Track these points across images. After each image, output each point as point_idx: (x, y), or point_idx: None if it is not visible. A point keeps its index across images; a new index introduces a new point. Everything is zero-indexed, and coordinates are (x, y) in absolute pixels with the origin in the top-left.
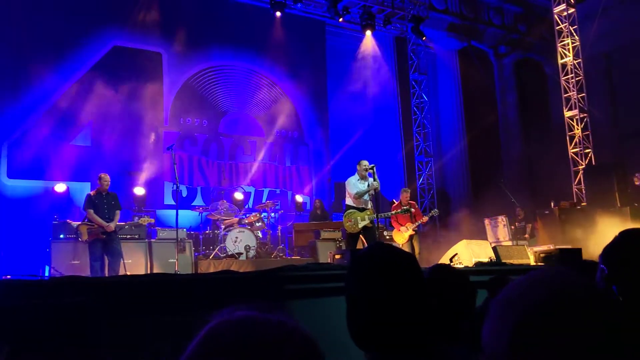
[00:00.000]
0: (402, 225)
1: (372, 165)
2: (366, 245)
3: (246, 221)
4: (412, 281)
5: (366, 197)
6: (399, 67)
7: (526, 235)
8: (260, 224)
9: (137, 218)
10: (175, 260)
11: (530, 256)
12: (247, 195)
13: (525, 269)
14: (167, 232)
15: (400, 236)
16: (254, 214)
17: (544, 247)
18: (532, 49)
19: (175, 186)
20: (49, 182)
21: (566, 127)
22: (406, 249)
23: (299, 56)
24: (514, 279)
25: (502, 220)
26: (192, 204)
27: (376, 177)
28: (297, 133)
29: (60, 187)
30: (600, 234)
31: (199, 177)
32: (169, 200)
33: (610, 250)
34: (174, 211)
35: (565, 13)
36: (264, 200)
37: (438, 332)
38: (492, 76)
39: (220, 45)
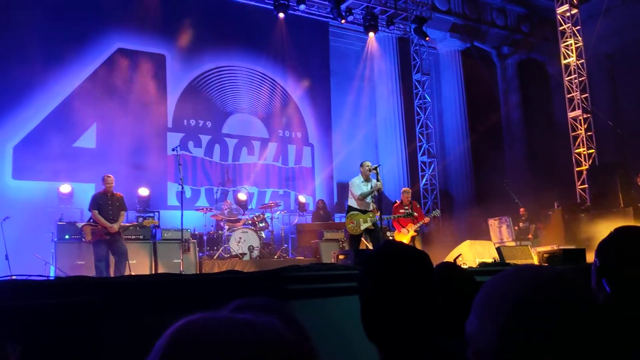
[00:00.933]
0: (403, 227)
1: (376, 165)
2: (370, 246)
3: (250, 222)
4: (425, 279)
5: (369, 198)
6: (401, 68)
7: (530, 236)
8: (263, 224)
9: (141, 219)
10: (179, 261)
11: (534, 257)
12: (250, 195)
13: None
14: (172, 232)
15: (402, 237)
16: (257, 214)
17: (548, 248)
18: (535, 49)
19: (180, 187)
20: (53, 183)
21: (569, 127)
22: None
23: (302, 57)
24: (495, 275)
25: (505, 220)
26: (196, 205)
27: (380, 177)
28: (300, 134)
29: (65, 188)
30: (604, 234)
31: (203, 178)
32: (172, 201)
33: (604, 244)
34: (178, 212)
35: (568, 14)
36: (267, 201)
37: (444, 329)
38: (495, 77)
39: (224, 46)
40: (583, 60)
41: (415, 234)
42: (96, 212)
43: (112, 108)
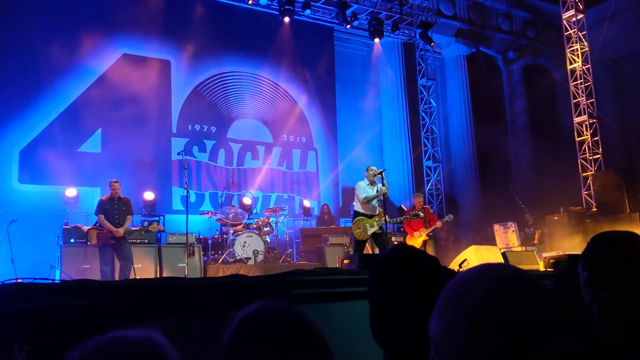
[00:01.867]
0: (415, 231)
1: (381, 170)
2: (375, 250)
3: (254, 226)
4: (434, 283)
5: (375, 202)
6: (407, 73)
7: (535, 241)
8: (268, 228)
9: (146, 223)
10: (184, 265)
11: (539, 262)
12: (255, 200)
13: (534, 275)
14: (177, 236)
15: (414, 242)
16: (262, 218)
17: (553, 253)
18: (541, 54)
19: (185, 191)
20: (59, 187)
21: (575, 132)
22: None
23: (307, 62)
24: (456, 275)
25: (511, 226)
26: (200, 209)
27: (385, 182)
28: (305, 138)
29: (70, 192)
30: None
31: (207, 183)
32: (177, 205)
33: (586, 255)
34: (183, 216)
35: (574, 19)
36: (271, 205)
37: None
38: (500, 82)
39: (228, 52)
40: (589, 66)
41: (427, 238)
42: (102, 216)
43: (117, 113)
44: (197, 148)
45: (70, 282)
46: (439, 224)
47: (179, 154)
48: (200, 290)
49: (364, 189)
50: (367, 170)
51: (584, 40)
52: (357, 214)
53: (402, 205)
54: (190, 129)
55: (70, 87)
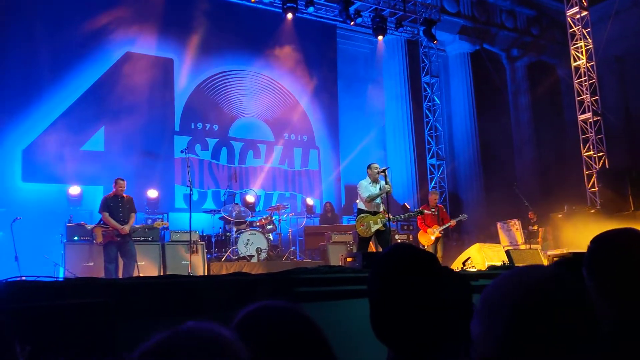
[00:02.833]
0: (429, 227)
1: (384, 168)
2: (378, 248)
3: (257, 224)
4: (433, 281)
5: (378, 200)
6: (410, 70)
7: (539, 239)
8: (271, 226)
9: (150, 220)
10: (188, 263)
11: (543, 260)
12: (257, 198)
13: (570, 276)
14: (180, 234)
15: (426, 238)
16: (265, 216)
17: (558, 251)
18: (545, 51)
19: (189, 188)
20: (62, 185)
21: (579, 130)
22: (430, 251)
23: (309, 60)
24: (496, 278)
25: (515, 223)
26: (202, 207)
27: (388, 180)
28: (306, 136)
29: (74, 190)
30: None
31: (210, 181)
32: (180, 203)
33: (589, 262)
34: (186, 214)
35: (578, 16)
36: (273, 204)
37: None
38: (504, 79)
39: (231, 50)
40: (593, 63)
41: (440, 235)
42: (107, 214)
43: (120, 111)
44: (200, 146)
45: (74, 280)
46: (452, 222)
47: (182, 152)
48: (204, 288)
49: (367, 188)
50: (369, 167)
51: (588, 37)
52: (360, 211)
53: (405, 203)
54: (192, 127)
55: (73, 86)
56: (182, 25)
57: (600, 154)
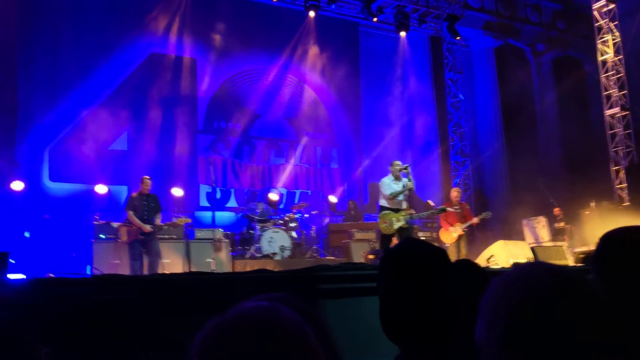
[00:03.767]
0: (451, 225)
1: (407, 165)
2: None
3: (281, 222)
4: (441, 276)
5: (401, 197)
6: (434, 66)
7: (565, 236)
8: (294, 224)
9: (175, 219)
10: (211, 260)
11: (568, 257)
12: (280, 196)
13: (578, 275)
14: (204, 232)
15: (449, 236)
16: (288, 214)
17: (584, 248)
18: (571, 46)
19: (213, 185)
20: (89, 185)
21: (607, 125)
22: (453, 249)
23: (332, 57)
24: (499, 276)
25: (540, 220)
26: (226, 206)
27: (411, 177)
28: (328, 135)
29: (101, 189)
30: None
31: (233, 179)
32: (204, 202)
33: (596, 258)
34: (209, 212)
35: (605, 9)
36: (296, 202)
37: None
38: (529, 74)
39: (253, 49)
40: (621, 57)
41: (463, 233)
42: (131, 212)
43: (144, 111)
44: (223, 145)
45: (101, 277)
46: (475, 220)
47: (205, 150)
48: (227, 285)
49: (389, 185)
50: (391, 164)
51: (615, 31)
52: (383, 208)
53: (429, 201)
54: (215, 126)
55: (99, 86)
56: (204, 26)
57: (629, 149)
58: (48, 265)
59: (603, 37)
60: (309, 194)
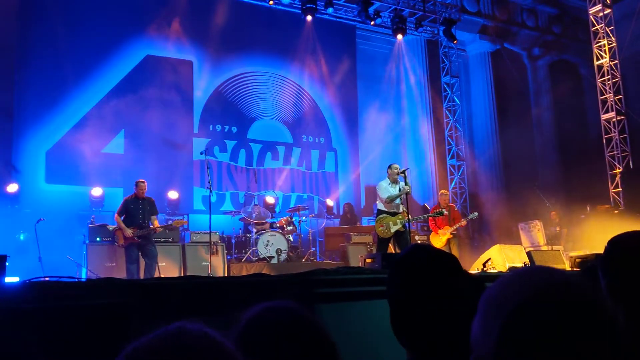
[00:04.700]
0: (440, 228)
1: (404, 169)
2: (396, 249)
3: (277, 225)
4: (453, 282)
5: (397, 200)
6: (430, 70)
7: (561, 241)
8: (291, 227)
9: (170, 221)
10: (208, 264)
11: (565, 261)
12: (277, 199)
13: (578, 279)
14: (200, 235)
15: (438, 240)
16: (285, 217)
17: (580, 252)
18: (567, 50)
19: (208, 188)
20: (85, 187)
21: (603, 130)
22: None
23: (329, 61)
24: (499, 278)
25: (536, 224)
26: (221, 209)
27: (407, 180)
28: (324, 138)
29: (96, 191)
30: None
31: (228, 183)
32: (198, 205)
33: (605, 261)
34: (204, 216)
35: (601, 13)
36: (292, 205)
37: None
38: (525, 78)
39: (250, 52)
40: (617, 61)
41: (452, 236)
42: (119, 217)
43: (140, 114)
44: (218, 148)
45: (96, 281)
46: (463, 222)
47: (201, 153)
48: (224, 288)
49: (386, 189)
50: (389, 167)
51: (611, 35)
52: (380, 212)
53: (425, 204)
54: (211, 129)
55: (95, 88)
56: (201, 28)
57: (624, 153)
58: (43, 268)
59: (599, 42)
60: (305, 197)
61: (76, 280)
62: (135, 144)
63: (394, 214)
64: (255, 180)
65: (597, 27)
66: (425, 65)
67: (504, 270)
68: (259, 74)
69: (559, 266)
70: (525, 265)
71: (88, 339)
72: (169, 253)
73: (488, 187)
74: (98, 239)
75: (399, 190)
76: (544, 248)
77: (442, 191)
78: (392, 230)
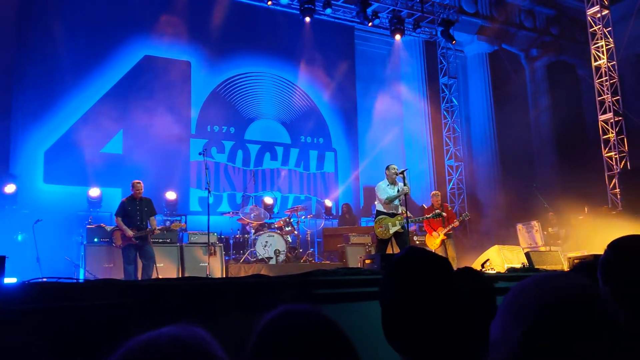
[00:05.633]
0: (434, 230)
1: (402, 170)
2: (395, 250)
3: (276, 226)
4: (445, 284)
5: (396, 201)
6: (428, 71)
7: (559, 241)
8: (289, 228)
9: (168, 222)
10: (206, 264)
11: (563, 262)
12: (275, 200)
13: (593, 287)
14: (198, 236)
15: (432, 241)
16: (283, 218)
17: (578, 253)
18: (565, 51)
19: (207, 189)
20: (83, 188)
21: (600, 130)
22: (439, 253)
23: (327, 62)
24: (522, 280)
25: (534, 225)
26: (218, 210)
27: (406, 181)
28: (323, 139)
29: (94, 192)
30: None
31: (225, 184)
32: (194, 206)
33: (606, 267)
34: (201, 217)
35: (599, 15)
36: (289, 206)
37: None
38: (523, 79)
39: (248, 52)
40: (614, 62)
41: (446, 237)
42: (119, 218)
43: (138, 114)
44: (216, 149)
45: (94, 282)
46: (456, 222)
47: (200, 154)
48: (222, 290)
49: (384, 190)
50: (387, 168)
51: (609, 36)
52: (379, 213)
53: (424, 205)
54: (209, 130)
55: (93, 88)
56: (199, 28)
57: (622, 154)
58: (41, 268)
59: (597, 43)
60: (302, 198)
61: (74, 281)
62: (134, 144)
63: (392, 215)
64: (253, 181)
65: (595, 28)
66: (423, 66)
67: (502, 270)
68: (257, 74)
69: (557, 267)
70: (523, 265)
71: (86, 339)
72: (167, 254)
73: (486, 187)
74: (96, 239)
75: (398, 191)
76: (542, 249)
77: (434, 192)
78: (391, 232)
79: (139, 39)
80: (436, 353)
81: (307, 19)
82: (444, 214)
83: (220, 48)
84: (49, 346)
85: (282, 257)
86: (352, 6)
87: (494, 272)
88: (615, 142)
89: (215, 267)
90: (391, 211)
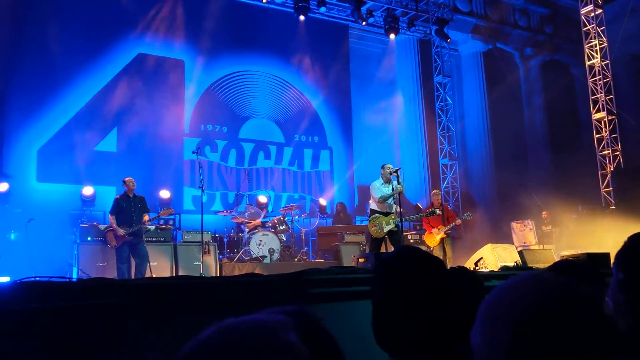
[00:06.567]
0: (434, 228)
1: (397, 168)
2: (390, 248)
3: (270, 224)
4: (437, 284)
5: (390, 200)
6: (423, 70)
7: (552, 240)
8: (284, 227)
9: (162, 221)
10: (200, 263)
11: (556, 260)
12: (269, 199)
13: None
14: (192, 234)
15: (432, 239)
16: (277, 217)
17: (572, 252)
18: (559, 50)
19: (200, 188)
20: (76, 186)
21: (594, 129)
22: (437, 252)
23: (321, 60)
24: (503, 282)
25: (528, 224)
26: (211, 209)
27: (400, 180)
28: (317, 137)
29: (87, 190)
30: None
31: (218, 183)
32: (188, 205)
33: (623, 255)
34: (194, 215)
35: (592, 14)
36: (283, 205)
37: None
38: (518, 78)
39: (242, 51)
40: (608, 61)
41: (445, 235)
42: (113, 217)
43: (132, 113)
44: (209, 148)
45: (87, 281)
46: (458, 221)
47: (194, 152)
48: (216, 289)
49: (379, 189)
50: (382, 167)
51: (602, 35)
52: (373, 211)
53: (418, 204)
54: (202, 129)
55: (86, 87)
56: (193, 27)
57: (615, 153)
58: (33, 267)
59: (590, 42)
60: (296, 197)
61: (67, 280)
62: (128, 142)
63: (386, 214)
64: (247, 179)
65: (589, 27)
66: (418, 64)
67: (496, 269)
68: (251, 73)
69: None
70: (517, 264)
71: (79, 339)
72: (161, 252)
73: (480, 186)
74: (89, 238)
75: (392, 190)
76: (536, 247)
77: (435, 191)
78: (385, 230)
79: (132, 37)
80: (426, 354)
81: (302, 18)
82: (438, 211)
83: (214, 46)
84: (41, 346)
85: (276, 255)
86: (347, 5)
87: (487, 270)
88: (609, 141)
89: (210, 266)
90: (385, 210)
